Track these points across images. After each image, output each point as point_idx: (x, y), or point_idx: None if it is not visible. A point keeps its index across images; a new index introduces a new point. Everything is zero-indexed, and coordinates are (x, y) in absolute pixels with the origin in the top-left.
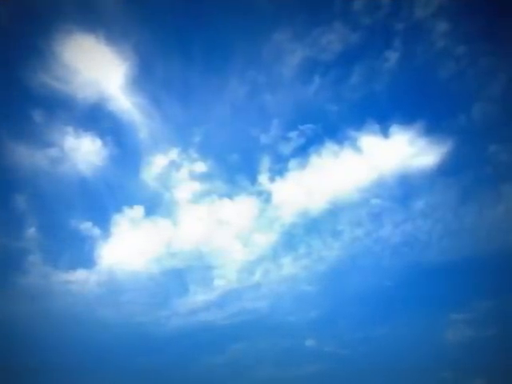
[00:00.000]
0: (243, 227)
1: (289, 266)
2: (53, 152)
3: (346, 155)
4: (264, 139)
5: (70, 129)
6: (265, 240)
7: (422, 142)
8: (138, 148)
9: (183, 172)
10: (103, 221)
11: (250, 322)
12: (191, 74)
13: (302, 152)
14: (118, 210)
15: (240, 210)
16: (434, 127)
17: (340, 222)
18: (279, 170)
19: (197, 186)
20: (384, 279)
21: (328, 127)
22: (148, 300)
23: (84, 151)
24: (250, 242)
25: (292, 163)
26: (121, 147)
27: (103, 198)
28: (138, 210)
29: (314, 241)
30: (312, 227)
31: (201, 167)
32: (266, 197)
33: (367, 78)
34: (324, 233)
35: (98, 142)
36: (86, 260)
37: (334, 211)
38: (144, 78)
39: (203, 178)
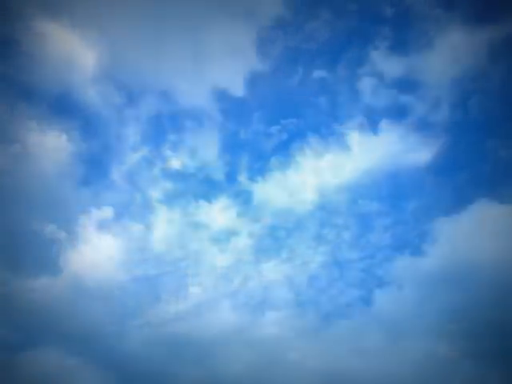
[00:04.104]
0: (221, 230)
1: (270, 272)
2: (14, 148)
3: (332, 152)
4: (243, 135)
5: (33, 123)
6: (244, 244)
7: (413, 138)
8: (108, 144)
9: (156, 171)
10: (69, 223)
11: (228, 333)
12: (165, 64)
13: (285, 148)
14: (85, 211)
15: (217, 211)
16: (426, 122)
17: (325, 225)
18: (260, 168)
19: (171, 186)
20: (373, 286)
21: (312, 122)
22: (117, 309)
23: (48, 147)
24: (227, 247)
25: (274, 161)
26: (88, 143)
27: (69, 199)
28: (106, 212)
29: (297, 245)
30: (295, 230)
31: (175, 165)
32: (245, 197)
33: (355, 68)
34: (308, 236)
35: (64, 138)
36: (50, 266)
37: (319, 213)
38: (114, 68)
39: (177, 177)
